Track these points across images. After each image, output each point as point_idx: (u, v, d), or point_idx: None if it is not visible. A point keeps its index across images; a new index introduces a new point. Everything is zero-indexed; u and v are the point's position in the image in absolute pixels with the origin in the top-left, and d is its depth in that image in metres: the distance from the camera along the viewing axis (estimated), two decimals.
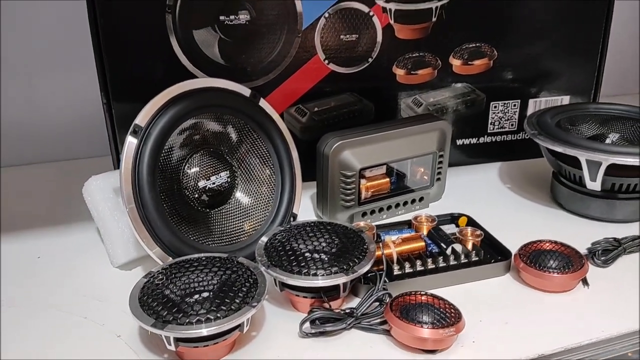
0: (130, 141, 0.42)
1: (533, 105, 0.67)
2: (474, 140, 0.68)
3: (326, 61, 0.60)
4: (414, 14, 0.60)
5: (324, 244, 0.43)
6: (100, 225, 0.48)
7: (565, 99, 0.68)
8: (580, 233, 0.53)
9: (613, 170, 0.51)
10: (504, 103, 0.67)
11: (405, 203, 0.57)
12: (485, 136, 0.68)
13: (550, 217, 0.57)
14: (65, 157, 0.72)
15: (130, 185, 0.41)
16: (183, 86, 0.45)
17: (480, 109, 0.66)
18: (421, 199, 0.58)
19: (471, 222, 0.53)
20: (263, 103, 0.50)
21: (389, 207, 0.56)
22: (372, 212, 0.56)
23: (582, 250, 0.48)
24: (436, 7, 0.60)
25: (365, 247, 0.42)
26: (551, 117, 0.59)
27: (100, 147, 0.65)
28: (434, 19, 0.61)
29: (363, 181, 0.54)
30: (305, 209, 0.58)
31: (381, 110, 0.63)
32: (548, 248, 0.47)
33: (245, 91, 0.49)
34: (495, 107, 0.66)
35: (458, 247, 0.47)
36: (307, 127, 0.62)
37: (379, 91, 0.63)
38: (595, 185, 0.53)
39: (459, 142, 0.67)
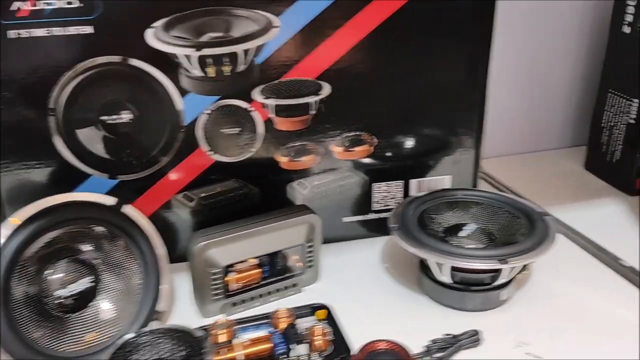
0: None
1: (416, 185, 0.72)
2: (360, 217, 0.72)
3: (210, 152, 0.64)
4: (293, 108, 0.64)
5: (166, 354, 0.47)
6: None
7: (447, 179, 0.72)
8: (437, 322, 0.57)
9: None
10: (387, 184, 0.71)
11: (278, 290, 0.61)
12: (370, 213, 0.72)
13: (413, 303, 0.61)
14: None
15: None
16: (40, 204, 0.49)
17: (361, 190, 0.70)
18: (294, 285, 0.62)
19: (330, 314, 0.57)
20: (128, 209, 0.54)
21: (262, 295, 0.60)
22: (244, 301, 0.60)
23: (426, 342, 0.53)
24: (315, 101, 0.64)
25: (202, 358, 0.46)
26: (416, 207, 0.63)
27: None
28: (312, 112, 0.65)
29: (232, 274, 0.58)
30: (185, 294, 0.61)
31: (267, 193, 0.67)
32: (383, 348, 0.51)
33: (110, 200, 0.53)
34: (378, 187, 0.71)
35: (304, 349, 0.51)
36: (195, 211, 0.66)
37: (264, 177, 0.67)
38: (445, 279, 0.57)
39: (345, 219, 0.71)
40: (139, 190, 0.63)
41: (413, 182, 0.71)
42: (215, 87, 0.61)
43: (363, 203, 0.71)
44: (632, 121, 0.81)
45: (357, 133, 0.67)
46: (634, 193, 0.82)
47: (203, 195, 0.66)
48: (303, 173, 0.68)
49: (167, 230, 0.64)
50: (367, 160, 0.69)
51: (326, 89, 0.64)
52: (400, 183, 0.71)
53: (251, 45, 0.60)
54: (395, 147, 0.69)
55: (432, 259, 0.55)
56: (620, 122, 0.83)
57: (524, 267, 0.57)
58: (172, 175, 0.64)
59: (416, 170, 0.71)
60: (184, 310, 0.60)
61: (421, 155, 0.70)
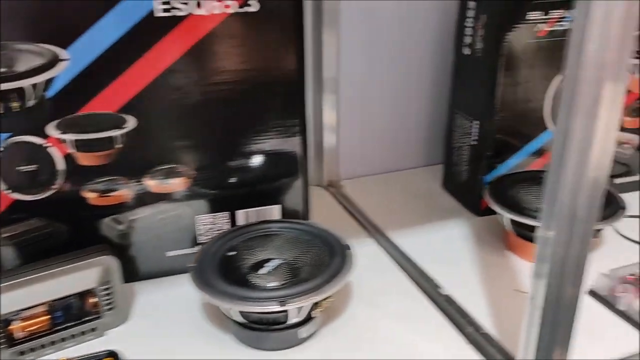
0: None
1: (244, 216, 0.70)
2: (185, 251, 0.69)
3: (7, 191, 0.61)
4: (94, 142, 0.61)
5: None
6: None
7: (276, 209, 0.71)
8: None
9: None
10: (212, 215, 0.69)
11: (74, 335, 0.58)
12: (197, 246, 0.70)
13: (218, 344, 0.59)
14: None
15: None
16: None
17: (184, 222, 0.68)
18: (93, 329, 0.59)
19: None
20: None
21: (54, 342, 0.57)
22: (33, 349, 0.57)
23: None
24: (119, 135, 0.62)
25: None
26: (225, 242, 0.62)
27: None
28: (118, 146, 0.62)
29: (17, 322, 0.55)
30: None
31: (78, 231, 0.64)
32: None
33: None
34: (203, 219, 0.68)
35: None
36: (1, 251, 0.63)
37: (71, 214, 0.64)
38: (239, 319, 0.56)
39: (170, 253, 0.69)
40: None
41: (240, 213, 0.70)
42: (4, 124, 0.58)
43: (188, 236, 0.69)
44: (474, 142, 0.81)
45: (172, 165, 0.65)
46: (480, 214, 0.82)
47: (5, 235, 0.62)
48: (117, 208, 0.65)
49: None
50: (188, 192, 0.67)
51: (131, 122, 0.62)
52: (226, 214, 0.69)
53: (38, 79, 0.58)
54: (217, 177, 0.67)
55: (216, 303, 0.53)
56: (465, 143, 0.83)
57: (317, 304, 0.56)
58: None
59: (242, 201, 0.69)
60: None
61: (246, 185, 0.69)
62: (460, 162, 0.85)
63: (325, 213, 0.84)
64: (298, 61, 0.65)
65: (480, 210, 0.82)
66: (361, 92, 0.92)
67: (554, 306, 0.47)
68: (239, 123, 0.66)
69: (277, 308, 0.52)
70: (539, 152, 0.82)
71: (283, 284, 0.57)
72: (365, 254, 0.74)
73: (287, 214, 0.71)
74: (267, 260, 0.61)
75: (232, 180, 0.68)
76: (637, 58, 0.82)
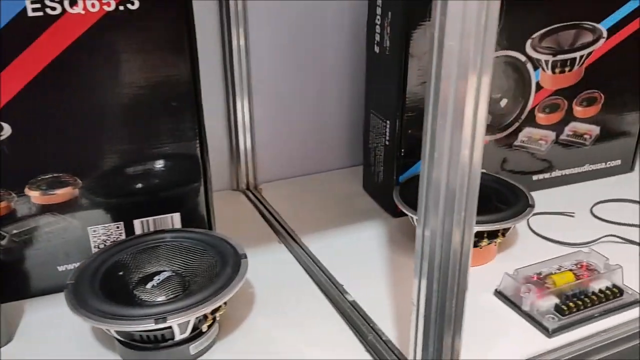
0: None
1: (140, 226, 0.66)
2: (78, 265, 0.65)
3: None
4: None
5: None
6: None
7: (176, 217, 0.67)
8: None
9: None
10: (105, 226, 0.65)
11: None
12: None
13: None
14: None
15: None
16: None
17: (75, 235, 0.64)
18: None
19: None
20: None
21: None
22: None
23: None
24: None
25: None
26: (111, 256, 0.58)
27: None
28: None
29: None
30: None
31: None
32: None
33: None
34: (95, 230, 0.65)
35: None
36: None
37: None
38: (123, 338, 0.52)
39: (61, 268, 0.65)
40: None
41: (137, 223, 0.66)
42: None
43: (81, 249, 0.65)
44: (388, 143, 0.79)
45: (56, 175, 0.61)
46: (396, 215, 0.81)
47: None
48: None
49: None
50: (76, 202, 0.63)
51: (6, 129, 0.57)
52: (120, 224, 0.65)
53: None
54: (108, 186, 0.63)
55: (89, 323, 0.50)
56: (380, 143, 0.81)
57: (208, 317, 0.53)
58: None
59: (139, 210, 0.66)
60: None
61: (142, 193, 0.65)
62: (376, 162, 0.83)
63: (239, 218, 0.82)
64: (190, 61, 0.62)
65: (396, 211, 0.80)
66: (277, 93, 0.89)
67: (437, 306, 0.45)
68: (130, 128, 0.62)
69: (152, 326, 0.48)
70: None
71: (168, 299, 0.53)
72: (275, 260, 0.72)
73: (189, 222, 0.68)
74: (157, 273, 0.57)
75: (126, 188, 0.64)
76: (549, 54, 0.82)
